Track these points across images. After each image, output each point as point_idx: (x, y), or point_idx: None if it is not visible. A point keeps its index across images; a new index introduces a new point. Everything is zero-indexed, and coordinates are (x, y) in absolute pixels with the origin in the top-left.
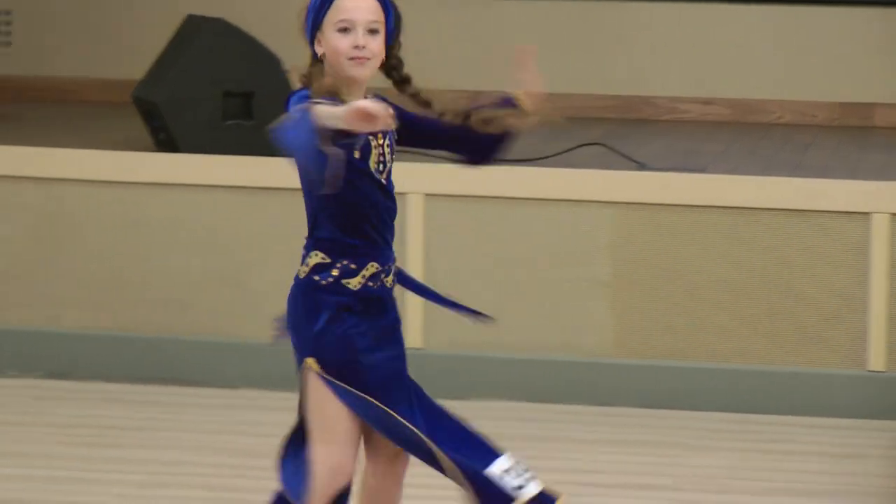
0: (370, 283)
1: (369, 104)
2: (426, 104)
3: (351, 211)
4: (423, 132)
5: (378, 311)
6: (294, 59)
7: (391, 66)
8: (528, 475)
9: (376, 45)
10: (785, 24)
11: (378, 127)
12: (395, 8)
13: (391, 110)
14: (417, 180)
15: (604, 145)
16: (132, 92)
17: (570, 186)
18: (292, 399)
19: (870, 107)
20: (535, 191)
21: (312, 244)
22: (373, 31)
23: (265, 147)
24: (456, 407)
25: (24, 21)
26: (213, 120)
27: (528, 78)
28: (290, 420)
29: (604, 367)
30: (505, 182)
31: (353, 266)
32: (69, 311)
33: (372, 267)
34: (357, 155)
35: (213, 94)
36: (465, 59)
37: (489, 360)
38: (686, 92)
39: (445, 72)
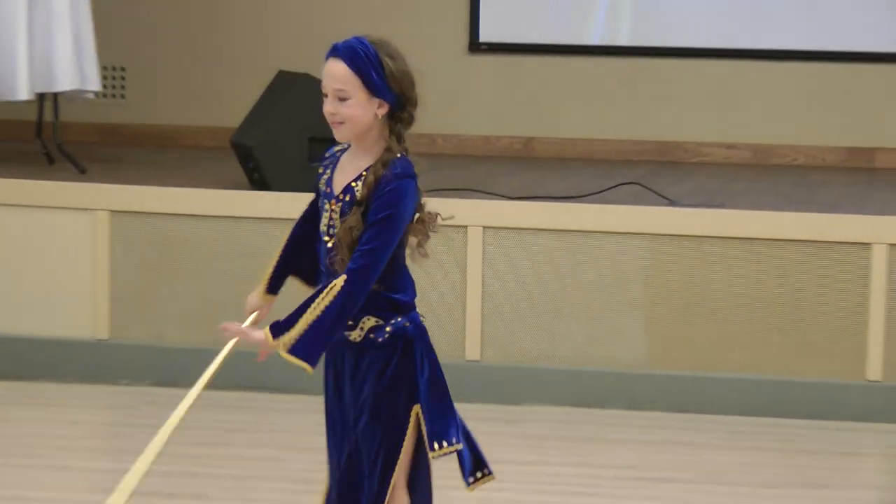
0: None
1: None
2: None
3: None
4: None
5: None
6: None
7: (391, 132)
8: None
9: (347, 110)
10: (799, 78)
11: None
12: (381, 70)
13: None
14: (478, 215)
15: (639, 184)
16: (230, 137)
17: (610, 220)
18: None
19: (872, 151)
20: (580, 224)
21: None
22: (342, 99)
23: None
24: (509, 411)
25: (136, 76)
26: (301, 161)
27: None
28: None
29: (637, 378)
30: (554, 216)
31: None
32: (174, 328)
33: None
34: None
35: (300, 140)
36: (518, 109)
37: (538, 370)
38: (711, 137)
39: (500, 120)
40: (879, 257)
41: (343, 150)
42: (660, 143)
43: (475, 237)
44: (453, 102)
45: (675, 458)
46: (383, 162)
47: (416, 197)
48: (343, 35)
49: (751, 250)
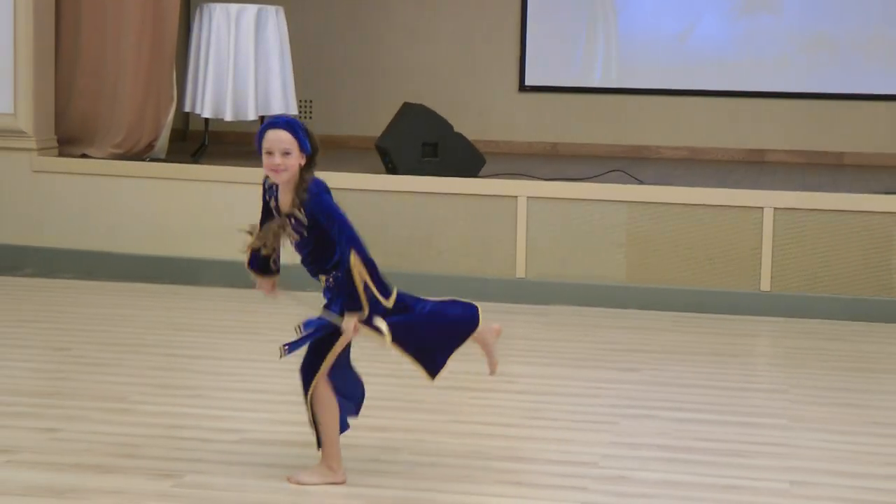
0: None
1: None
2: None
3: None
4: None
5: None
6: (459, 120)
7: (306, 171)
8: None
9: (290, 161)
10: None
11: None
12: (307, 136)
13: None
14: (524, 189)
15: (622, 171)
16: (375, 142)
17: (605, 192)
18: None
19: (762, 151)
20: (589, 194)
21: None
22: (286, 154)
23: (443, 172)
24: (541, 309)
25: (319, 105)
26: (417, 157)
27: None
28: None
29: (618, 287)
30: (570, 189)
31: None
32: None
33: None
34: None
35: (417, 144)
36: (549, 125)
37: (559, 284)
38: (666, 143)
39: (537, 131)
40: (768, 216)
41: (275, 184)
42: (634, 146)
43: (522, 203)
44: (509, 121)
45: (642, 337)
46: (303, 189)
47: (331, 195)
48: (438, 87)
49: (690, 210)
